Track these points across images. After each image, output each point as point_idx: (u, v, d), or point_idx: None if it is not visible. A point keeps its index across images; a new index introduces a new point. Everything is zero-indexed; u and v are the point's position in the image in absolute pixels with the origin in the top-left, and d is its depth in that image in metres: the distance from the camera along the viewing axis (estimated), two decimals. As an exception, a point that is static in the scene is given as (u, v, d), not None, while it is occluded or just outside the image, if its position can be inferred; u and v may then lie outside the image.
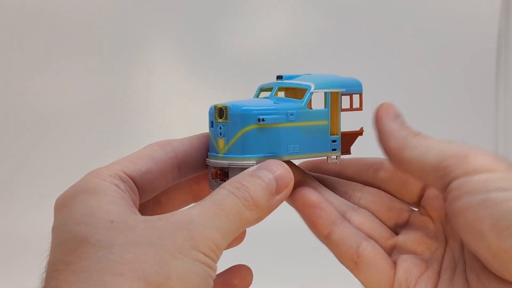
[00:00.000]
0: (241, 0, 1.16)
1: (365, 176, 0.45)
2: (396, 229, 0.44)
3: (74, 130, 1.16)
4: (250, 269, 0.44)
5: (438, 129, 0.42)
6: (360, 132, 0.45)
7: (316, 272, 0.90)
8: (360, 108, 0.45)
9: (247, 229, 0.38)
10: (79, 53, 1.15)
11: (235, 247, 0.43)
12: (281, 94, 0.45)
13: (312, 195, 0.41)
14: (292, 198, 0.41)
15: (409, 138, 0.40)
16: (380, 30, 1.14)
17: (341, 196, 0.44)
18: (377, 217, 0.44)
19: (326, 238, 0.41)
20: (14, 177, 1.18)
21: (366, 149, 0.47)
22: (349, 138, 0.44)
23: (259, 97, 0.45)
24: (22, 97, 1.16)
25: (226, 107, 0.40)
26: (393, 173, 0.44)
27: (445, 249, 0.42)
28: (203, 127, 0.43)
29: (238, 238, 0.43)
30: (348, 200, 0.44)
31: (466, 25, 1.12)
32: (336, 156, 0.44)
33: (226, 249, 0.41)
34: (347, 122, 0.45)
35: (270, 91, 0.44)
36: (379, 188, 0.45)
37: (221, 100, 0.43)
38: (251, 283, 0.44)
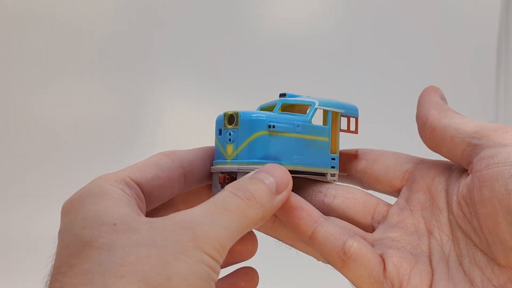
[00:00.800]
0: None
1: (346, 167, 0.46)
2: (373, 225, 0.44)
3: (82, 141, 1.17)
4: (256, 271, 0.44)
5: None
6: (355, 155, 0.46)
7: (314, 272, 0.89)
8: (356, 132, 0.47)
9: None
10: (87, 67, 1.16)
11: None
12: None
13: (291, 197, 0.40)
14: None
15: (450, 111, 0.41)
16: (380, 27, 1.17)
17: (315, 195, 0.45)
18: (352, 214, 0.44)
19: (310, 238, 0.40)
20: (24, 181, 1.16)
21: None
22: (346, 159, 0.46)
23: None
24: (34, 107, 1.16)
25: (237, 113, 0.41)
26: (373, 163, 0.45)
27: (429, 242, 0.41)
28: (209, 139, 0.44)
29: (249, 251, 0.43)
30: (323, 199, 0.44)
31: (466, 23, 1.14)
32: (335, 174, 0.45)
33: (238, 262, 0.41)
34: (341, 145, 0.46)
35: (270, 110, 0.45)
36: (359, 179, 0.46)
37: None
38: (257, 284, 0.43)
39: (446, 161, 0.44)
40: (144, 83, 1.17)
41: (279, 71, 1.22)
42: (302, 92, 0.49)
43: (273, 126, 0.40)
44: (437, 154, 0.43)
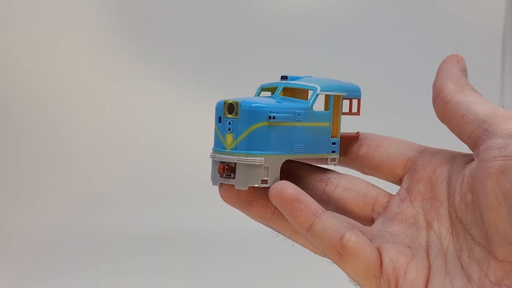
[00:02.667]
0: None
1: (347, 149, 0.46)
2: (373, 216, 0.44)
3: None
4: None
5: (439, 125, 0.43)
6: (356, 137, 0.46)
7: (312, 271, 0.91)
8: (358, 113, 0.46)
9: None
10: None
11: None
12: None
13: (290, 189, 0.39)
14: (269, 194, 0.40)
15: (467, 87, 0.41)
16: (383, 22, 1.15)
17: (318, 183, 0.44)
18: (353, 206, 0.44)
19: (308, 230, 0.39)
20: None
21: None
22: (347, 141, 0.45)
23: (260, 96, 0.45)
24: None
25: (237, 103, 0.40)
26: (375, 149, 0.45)
27: (427, 235, 0.41)
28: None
29: None
30: (325, 189, 0.44)
31: (472, 20, 1.13)
32: (335, 158, 0.45)
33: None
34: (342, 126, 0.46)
35: (271, 90, 0.45)
36: (360, 165, 0.45)
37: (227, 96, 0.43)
38: None
39: (449, 150, 0.43)
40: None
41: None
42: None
43: (274, 117, 0.40)
44: (440, 142, 0.42)
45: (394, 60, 1.18)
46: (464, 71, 0.42)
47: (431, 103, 0.42)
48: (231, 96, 0.43)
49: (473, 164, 0.39)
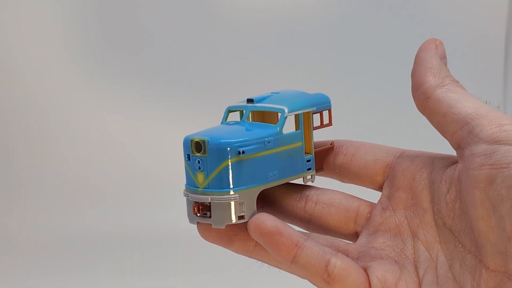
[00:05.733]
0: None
1: (323, 163, 0.44)
2: (357, 229, 0.43)
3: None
4: None
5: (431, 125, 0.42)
6: (331, 148, 0.45)
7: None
8: (330, 124, 0.45)
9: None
10: None
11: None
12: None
13: (268, 222, 0.38)
14: (248, 229, 0.39)
15: (447, 80, 0.39)
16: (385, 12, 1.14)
17: (297, 202, 0.44)
18: (335, 222, 0.43)
19: (292, 262, 0.38)
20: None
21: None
22: (321, 155, 0.44)
23: (227, 119, 0.44)
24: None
25: (203, 141, 0.39)
26: (352, 158, 0.44)
27: (413, 246, 0.40)
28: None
29: None
30: (305, 206, 0.44)
31: (475, 17, 1.12)
32: (311, 176, 0.44)
33: None
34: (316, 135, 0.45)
35: (238, 111, 0.43)
36: (338, 174, 0.44)
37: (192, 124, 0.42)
38: None
39: (427, 153, 0.42)
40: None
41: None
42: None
43: (243, 152, 0.39)
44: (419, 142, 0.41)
45: (394, 60, 1.16)
46: (443, 58, 0.40)
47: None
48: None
49: (458, 168, 0.38)
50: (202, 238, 0.41)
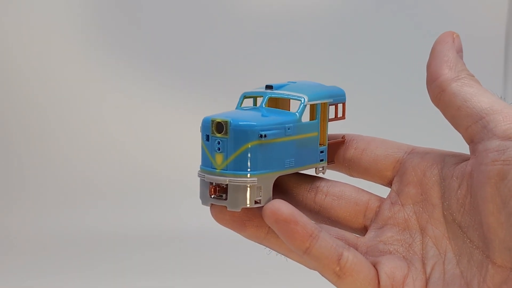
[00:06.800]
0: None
1: (334, 155, 0.44)
2: (366, 223, 0.43)
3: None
4: None
5: (441, 122, 0.42)
6: (342, 141, 0.45)
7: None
8: (343, 117, 0.45)
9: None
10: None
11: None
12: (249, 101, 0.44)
13: (284, 209, 0.37)
14: (263, 214, 0.38)
15: (463, 73, 0.39)
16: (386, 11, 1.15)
17: (307, 193, 0.44)
18: (344, 215, 0.43)
19: (305, 252, 0.38)
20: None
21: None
22: (333, 148, 0.44)
23: (242, 104, 0.43)
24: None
25: (226, 122, 0.38)
26: (362, 152, 0.44)
27: (422, 241, 0.40)
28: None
29: None
30: (315, 197, 0.43)
31: (475, 16, 1.13)
32: (323, 167, 0.44)
33: None
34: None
35: (254, 98, 0.43)
36: (347, 168, 0.44)
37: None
38: None
39: (438, 150, 0.43)
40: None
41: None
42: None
43: (265, 136, 0.38)
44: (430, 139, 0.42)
45: (393, 60, 1.17)
46: (460, 51, 0.40)
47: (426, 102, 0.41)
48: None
49: (470, 163, 0.38)
50: (215, 221, 0.40)
